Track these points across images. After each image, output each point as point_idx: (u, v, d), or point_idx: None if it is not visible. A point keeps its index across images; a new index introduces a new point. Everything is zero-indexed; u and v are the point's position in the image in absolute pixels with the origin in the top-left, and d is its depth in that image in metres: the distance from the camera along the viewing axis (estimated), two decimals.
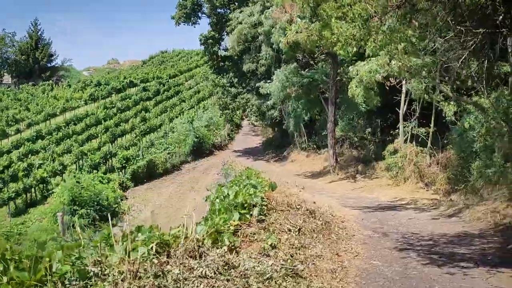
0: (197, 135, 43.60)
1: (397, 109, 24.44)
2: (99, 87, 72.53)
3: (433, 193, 20.26)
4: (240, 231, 8.13)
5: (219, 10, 42.26)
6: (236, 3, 40.57)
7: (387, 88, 21.71)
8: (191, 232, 5.95)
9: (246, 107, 44.00)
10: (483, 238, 10.15)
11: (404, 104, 23.53)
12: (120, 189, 34.39)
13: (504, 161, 13.56)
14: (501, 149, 13.94)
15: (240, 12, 36.42)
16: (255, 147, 50.20)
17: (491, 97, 14.71)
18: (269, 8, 30.54)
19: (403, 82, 21.63)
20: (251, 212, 8.82)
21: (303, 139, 38.10)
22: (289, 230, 8.61)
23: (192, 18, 43.14)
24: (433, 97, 19.68)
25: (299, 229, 8.76)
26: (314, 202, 13.01)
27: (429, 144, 23.15)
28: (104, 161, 42.98)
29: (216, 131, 49.55)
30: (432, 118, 22.73)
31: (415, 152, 22.51)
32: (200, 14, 43.84)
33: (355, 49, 9.73)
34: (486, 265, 7.74)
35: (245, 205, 9.04)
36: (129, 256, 5.10)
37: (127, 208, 31.26)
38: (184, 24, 43.30)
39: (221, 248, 6.60)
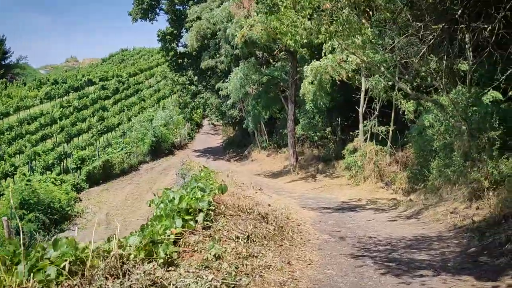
0: (156, 134, 42.39)
1: (357, 107, 24.11)
2: (56, 86, 70.29)
3: (393, 192, 19.96)
4: (182, 240, 7.39)
5: (177, 7, 41.17)
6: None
7: (352, 87, 21.35)
8: (114, 246, 5.14)
9: (206, 106, 43.11)
10: (442, 241, 9.69)
11: (364, 102, 23.19)
12: (74, 191, 32.99)
13: (463, 160, 13.22)
14: (460, 148, 13.62)
15: (198, 7, 35.50)
16: (216, 147, 49.36)
17: (450, 95, 14.40)
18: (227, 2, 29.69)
19: (363, 80, 21.23)
20: (196, 218, 8.09)
21: (264, 138, 37.54)
22: (237, 237, 7.91)
23: (149, 15, 41.88)
24: (392, 95, 19.35)
25: (248, 236, 8.06)
26: (269, 205, 12.38)
27: (389, 143, 22.89)
28: (58, 162, 41.34)
29: (175, 130, 48.41)
30: (392, 117, 22.48)
31: (375, 150, 22.20)
32: (158, 10, 42.67)
33: (305, 40, 9.11)
34: (446, 273, 7.22)
35: (190, 210, 8.30)
36: (33, 278, 4.28)
37: (81, 211, 29.96)
38: (141, 21, 42.09)
39: (155, 262, 5.86)
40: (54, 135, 48.28)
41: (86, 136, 48.92)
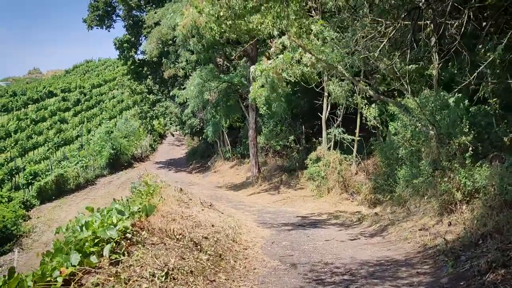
0: (114, 146, 40.25)
1: (320, 114, 22.72)
2: (14, 98, 67.32)
3: (358, 204, 18.54)
4: (77, 281, 5.70)
5: (135, 13, 39.23)
6: (154, 5, 37.81)
7: (316, 91, 19.91)
8: None
9: (165, 115, 41.17)
10: (411, 266, 8.18)
11: (327, 108, 21.79)
12: (23, 208, 30.69)
13: (432, 169, 11.79)
14: (428, 155, 12.20)
15: (155, 13, 33.70)
16: (179, 158, 47.46)
17: (418, 98, 13.06)
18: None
19: (325, 84, 19.80)
20: (102, 252, 6.39)
21: (227, 148, 35.86)
22: (153, 275, 6.21)
23: (106, 21, 39.83)
24: (353, 99, 17.98)
25: (167, 273, 6.37)
26: (213, 225, 10.73)
27: (354, 151, 21.53)
28: (9, 177, 38.83)
29: (136, 142, 46.32)
30: (357, 123, 21.15)
31: (339, 159, 20.78)
32: (114, 17, 40.63)
33: (216, 28, 7.62)
34: None
35: (97, 241, 6.60)
36: None
37: (27, 230, 27.69)
38: (97, 28, 39.97)
39: None
40: (8, 149, 45.57)
41: (42, 150, 46.36)
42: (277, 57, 13.51)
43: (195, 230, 9.42)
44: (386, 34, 9.30)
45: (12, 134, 48.97)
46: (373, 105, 15.72)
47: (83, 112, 61.37)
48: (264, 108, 14.11)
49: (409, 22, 9.71)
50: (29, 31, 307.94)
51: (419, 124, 11.65)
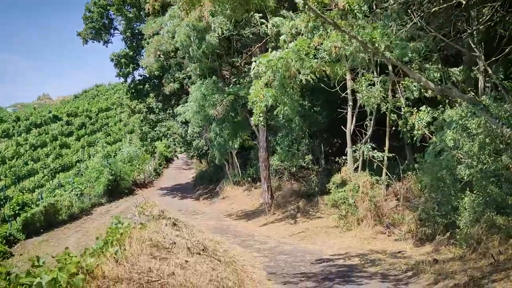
0: (113, 172, 36.52)
1: (343, 128, 18.83)
2: (17, 123, 64.42)
3: (398, 239, 14.44)
4: None
5: (134, 24, 35.84)
6: (155, 16, 34.40)
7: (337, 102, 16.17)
8: None
9: (169, 136, 37.38)
10: None
11: (352, 119, 17.87)
12: (5, 244, 26.96)
13: None
14: None
15: (154, 22, 30.20)
16: (186, 183, 43.61)
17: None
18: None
19: (348, 85, 15.88)
20: None
21: (236, 171, 31.90)
22: None
23: (102, 35, 36.49)
24: (391, 102, 14.03)
25: None
26: None
27: (384, 171, 17.56)
28: None
29: (139, 166, 42.66)
30: (387, 136, 17.23)
31: (370, 183, 16.75)
32: (112, 31, 37.27)
33: None
34: None
35: None
36: None
37: (4, 272, 23.82)
38: (93, 42, 36.61)
39: None
40: (1, 177, 42.17)
41: (37, 177, 42.87)
42: (288, 47, 9.68)
43: None
44: None
45: (7, 160, 45.54)
46: (423, 108, 11.70)
47: (86, 136, 57.99)
48: (261, 118, 9.67)
49: None
50: (40, 57, 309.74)
51: (509, 130, 7.61)
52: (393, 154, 17.85)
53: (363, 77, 14.51)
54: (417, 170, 14.80)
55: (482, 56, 11.82)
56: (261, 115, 9.39)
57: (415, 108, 11.93)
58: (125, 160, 43.71)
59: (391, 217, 15.97)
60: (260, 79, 9.64)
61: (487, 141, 9.71)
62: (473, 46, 11.51)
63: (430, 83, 8.58)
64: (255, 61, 9.70)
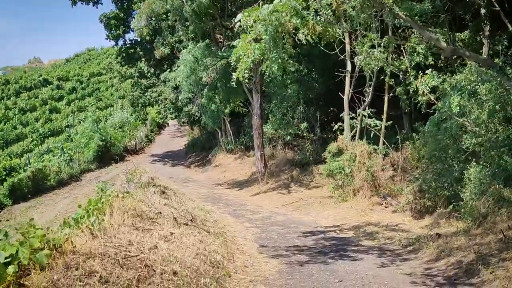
0: (104, 138, 35.66)
1: (341, 94, 18.07)
2: (6, 86, 62.99)
3: (395, 210, 13.88)
4: None
5: None
6: None
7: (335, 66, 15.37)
8: None
9: (160, 101, 36.33)
10: None
11: (350, 85, 17.08)
12: None
13: None
14: None
15: None
16: (178, 150, 42.84)
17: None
18: None
19: (347, 48, 15.04)
20: None
21: (229, 138, 31.13)
22: None
23: None
24: (395, 65, 13.25)
25: None
26: (175, 273, 6.15)
27: (381, 141, 16.93)
28: None
29: (131, 132, 41.76)
30: (385, 104, 16.52)
31: (367, 152, 16.10)
32: None
33: None
34: None
35: None
36: None
37: None
38: (82, 4, 35.15)
39: None
40: None
41: (26, 142, 41.95)
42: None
43: None
44: None
45: None
46: (428, 72, 10.91)
47: (77, 101, 56.82)
48: (246, 74, 8.59)
49: None
50: (32, 20, 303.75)
51: None
52: (391, 122, 17.24)
53: (365, 37, 13.67)
54: (416, 139, 14.12)
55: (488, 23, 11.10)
56: (246, 71, 8.55)
57: (420, 72, 11.17)
58: (116, 126, 42.78)
59: (388, 188, 15.40)
60: (249, 33, 8.80)
61: (497, 108, 9.03)
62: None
63: (442, 42, 7.82)
64: (242, 13, 8.84)
